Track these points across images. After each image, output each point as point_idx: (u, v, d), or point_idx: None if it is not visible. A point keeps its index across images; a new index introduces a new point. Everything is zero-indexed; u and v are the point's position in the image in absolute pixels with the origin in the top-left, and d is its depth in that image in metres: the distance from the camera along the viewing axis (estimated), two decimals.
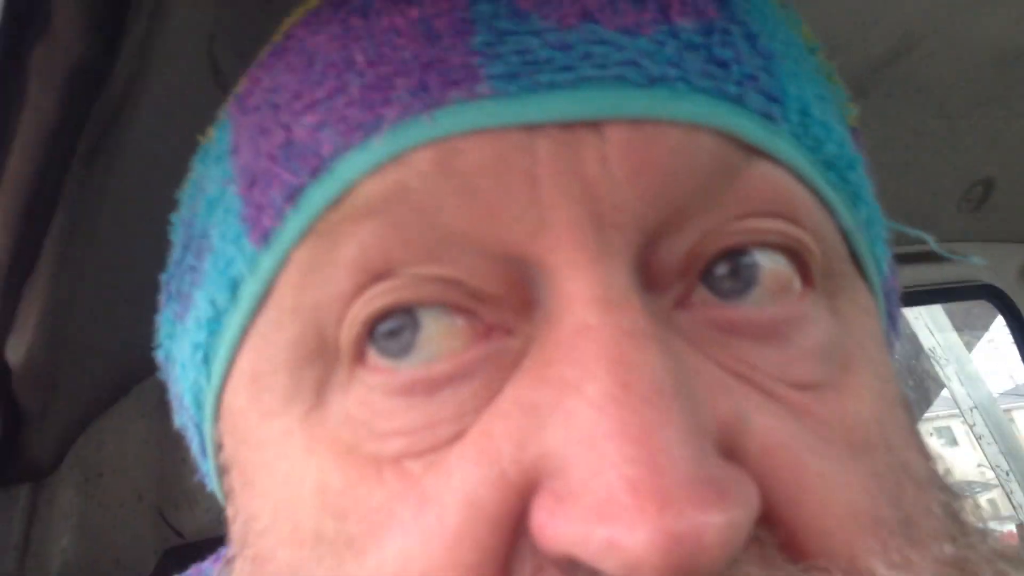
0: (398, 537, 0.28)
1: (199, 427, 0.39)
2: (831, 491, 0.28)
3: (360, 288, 0.31)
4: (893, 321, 0.43)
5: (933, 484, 0.33)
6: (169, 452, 0.88)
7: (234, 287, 0.34)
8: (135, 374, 0.88)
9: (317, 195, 0.32)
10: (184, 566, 0.81)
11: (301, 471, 0.31)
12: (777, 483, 0.28)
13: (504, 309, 0.31)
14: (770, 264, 0.32)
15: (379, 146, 0.31)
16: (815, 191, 0.35)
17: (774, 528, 0.28)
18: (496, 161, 0.30)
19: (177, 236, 0.40)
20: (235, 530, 0.35)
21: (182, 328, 0.38)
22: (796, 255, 0.33)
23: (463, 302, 0.31)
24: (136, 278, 0.76)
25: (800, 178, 0.34)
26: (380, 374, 0.31)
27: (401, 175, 0.31)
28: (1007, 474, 2.17)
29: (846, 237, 0.36)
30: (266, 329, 0.34)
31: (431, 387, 0.30)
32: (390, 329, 0.31)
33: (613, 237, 0.30)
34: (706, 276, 0.32)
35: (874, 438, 0.31)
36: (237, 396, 0.35)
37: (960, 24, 0.84)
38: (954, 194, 1.24)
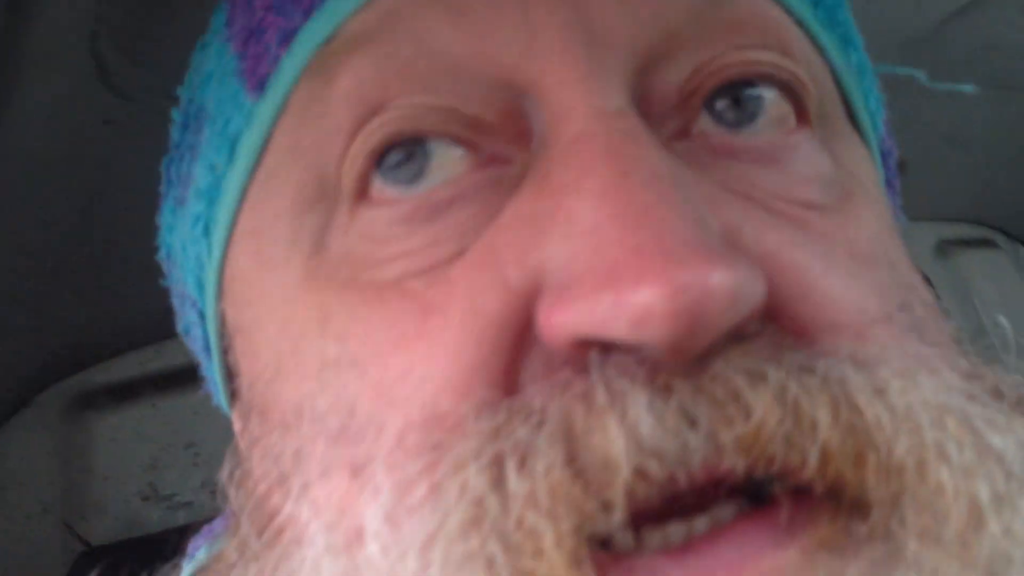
0: (402, 348, 0.29)
1: (202, 316, 0.39)
2: (838, 289, 0.29)
3: (359, 122, 0.31)
4: (892, 189, 0.43)
5: (939, 311, 0.34)
6: (73, 462, 0.86)
7: (232, 146, 0.35)
8: (34, 385, 0.86)
9: (311, 34, 0.33)
10: (98, 568, 0.80)
11: (303, 310, 0.32)
12: (783, 281, 0.28)
13: (501, 139, 0.31)
14: (771, 97, 0.33)
15: None
16: (804, 27, 0.36)
17: (782, 322, 0.28)
18: None
19: (176, 126, 0.41)
20: (243, 405, 0.36)
21: (182, 212, 0.39)
22: (791, 91, 0.34)
23: (462, 132, 0.31)
24: (28, 286, 0.73)
25: (788, 11, 0.35)
26: (384, 206, 0.31)
27: (392, 3, 0.32)
28: None
29: (837, 82, 0.37)
30: (266, 181, 0.34)
31: (433, 212, 0.31)
32: (399, 159, 0.31)
33: (605, 57, 0.30)
34: (709, 108, 0.32)
35: (879, 255, 0.32)
36: (239, 259, 0.36)
37: (864, 10, 0.84)
38: None
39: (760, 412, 0.25)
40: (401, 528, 0.26)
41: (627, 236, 0.25)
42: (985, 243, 1.45)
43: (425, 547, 0.25)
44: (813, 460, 0.25)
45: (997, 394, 0.30)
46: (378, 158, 0.31)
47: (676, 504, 0.25)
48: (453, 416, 0.27)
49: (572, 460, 0.25)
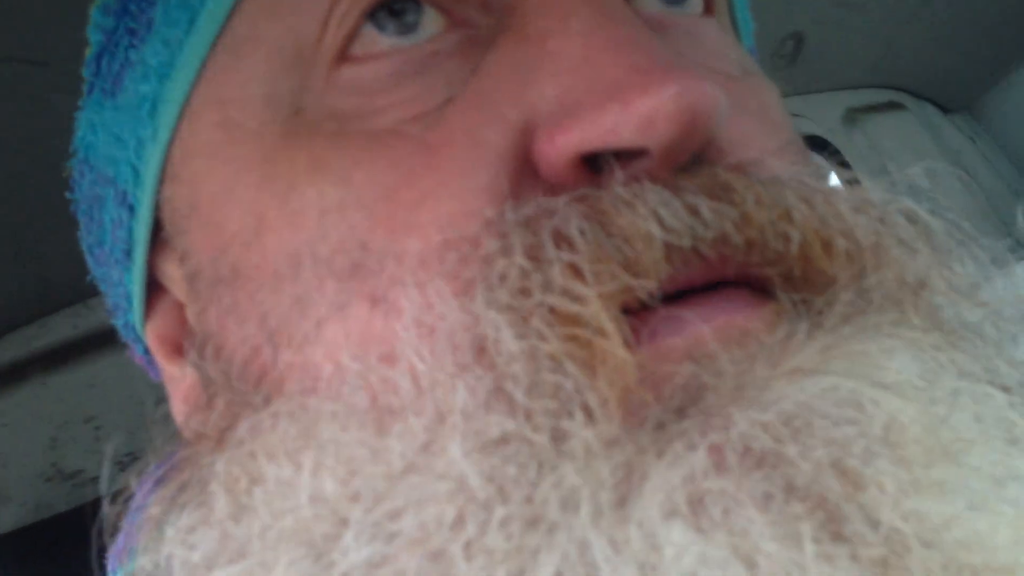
0: (411, 184, 0.30)
1: (132, 210, 0.39)
2: (767, 135, 0.33)
3: None
4: None
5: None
6: None
7: (193, 16, 0.35)
8: None
9: None
10: (3, 557, 0.78)
11: (290, 162, 0.32)
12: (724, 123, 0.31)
13: (467, 4, 0.33)
14: None
15: None
16: None
17: (727, 156, 0.31)
18: None
19: (108, 16, 0.40)
20: (203, 283, 0.36)
21: (113, 103, 0.38)
22: None
23: None
24: None
25: None
26: (369, 62, 0.33)
27: None
28: None
29: None
30: (235, 47, 0.35)
31: (419, 65, 0.32)
32: (390, 16, 0.33)
33: None
34: None
35: (785, 120, 0.37)
36: (197, 134, 0.36)
37: None
38: (766, 51, 1.24)
39: (752, 201, 0.29)
40: (436, 331, 0.28)
41: (622, 59, 0.29)
42: (893, 106, 1.45)
43: (466, 329, 0.27)
44: (795, 245, 0.29)
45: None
46: (371, 14, 0.33)
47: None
48: (475, 228, 0.29)
49: (605, 236, 0.27)
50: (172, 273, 0.39)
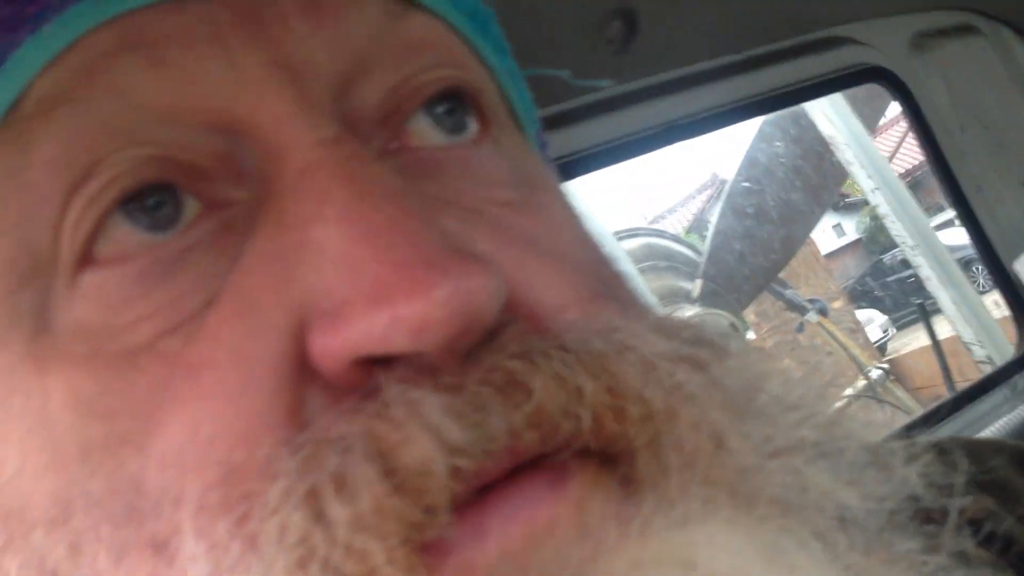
0: (179, 414, 0.28)
1: None
2: (553, 276, 0.32)
3: (72, 187, 0.29)
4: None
5: (625, 280, 0.38)
6: None
7: None
8: None
9: None
10: None
11: (42, 395, 0.30)
12: (507, 275, 0.30)
13: (220, 183, 0.31)
14: (461, 109, 0.36)
15: (52, 34, 0.30)
16: (464, 38, 0.38)
17: (515, 313, 0.30)
18: (180, 31, 0.31)
19: None
20: None
21: None
22: (471, 99, 0.36)
23: (182, 180, 0.30)
24: None
25: (451, 26, 0.37)
26: (114, 265, 0.30)
27: (84, 58, 0.30)
28: (912, 249, 2.22)
29: (497, 83, 0.40)
30: None
31: (169, 265, 0.30)
32: (152, 204, 0.30)
33: (310, 88, 0.31)
34: (429, 116, 0.35)
35: (574, 237, 0.37)
36: None
37: None
38: None
39: (539, 390, 0.28)
40: None
41: (383, 254, 0.27)
42: (964, 30, 1.33)
43: None
44: (587, 422, 0.28)
45: (690, 338, 0.33)
46: (109, 215, 0.30)
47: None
48: (252, 465, 0.27)
49: (387, 475, 0.26)
50: None
